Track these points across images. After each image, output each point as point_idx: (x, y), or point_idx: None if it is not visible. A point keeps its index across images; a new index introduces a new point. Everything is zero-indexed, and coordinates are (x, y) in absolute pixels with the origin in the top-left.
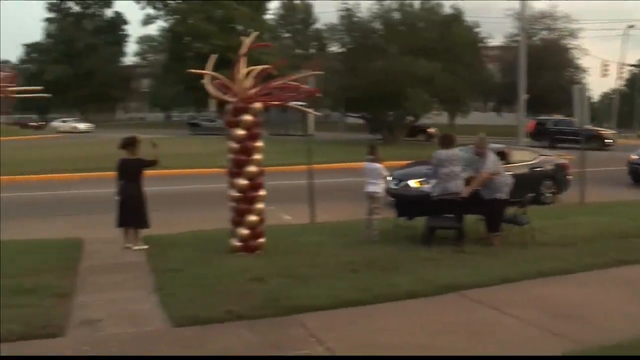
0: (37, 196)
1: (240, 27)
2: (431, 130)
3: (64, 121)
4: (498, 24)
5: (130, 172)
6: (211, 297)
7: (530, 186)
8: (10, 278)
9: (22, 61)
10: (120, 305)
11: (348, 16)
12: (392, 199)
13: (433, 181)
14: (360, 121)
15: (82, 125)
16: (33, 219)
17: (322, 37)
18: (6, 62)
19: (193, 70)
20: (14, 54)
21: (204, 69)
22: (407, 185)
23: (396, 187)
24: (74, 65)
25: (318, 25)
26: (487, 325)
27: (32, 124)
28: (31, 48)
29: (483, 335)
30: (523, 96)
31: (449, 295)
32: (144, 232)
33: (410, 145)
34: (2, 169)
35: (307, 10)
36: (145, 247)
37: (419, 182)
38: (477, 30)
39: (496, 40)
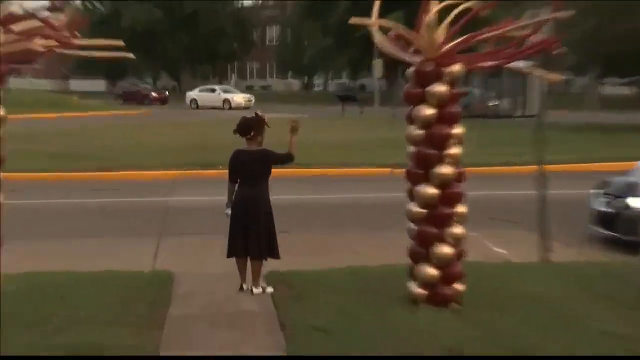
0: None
1: None
2: None
3: (210, 90)
4: None
5: (250, 173)
6: None
7: None
8: (80, 335)
9: None
10: None
11: None
12: None
13: None
14: (628, 91)
15: (238, 98)
16: (108, 237)
17: None
18: None
19: (355, 19)
20: None
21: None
22: (627, 206)
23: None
24: (166, 6)
25: None
26: None
27: (153, 95)
28: None
29: None
30: None
31: None
32: (269, 264)
33: None
34: None
35: None
36: (271, 289)
37: None
38: None
39: None
